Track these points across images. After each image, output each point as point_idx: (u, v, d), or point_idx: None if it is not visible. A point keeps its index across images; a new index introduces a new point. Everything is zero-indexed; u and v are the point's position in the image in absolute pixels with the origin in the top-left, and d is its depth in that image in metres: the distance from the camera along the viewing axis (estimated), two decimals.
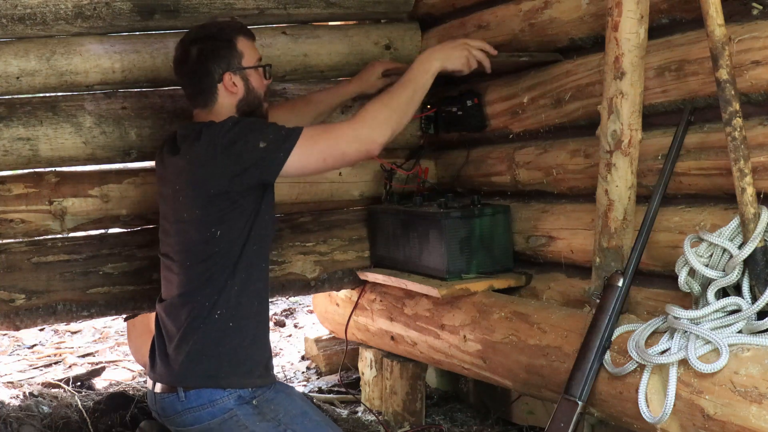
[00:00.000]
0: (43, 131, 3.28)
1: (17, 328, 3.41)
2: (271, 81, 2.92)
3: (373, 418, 3.71)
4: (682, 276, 2.30)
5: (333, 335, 4.47)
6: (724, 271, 2.23)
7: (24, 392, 3.98)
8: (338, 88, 3.36)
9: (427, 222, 3.30)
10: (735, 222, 2.23)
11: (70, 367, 4.90)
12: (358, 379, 4.03)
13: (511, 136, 3.32)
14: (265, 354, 2.73)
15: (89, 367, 4.76)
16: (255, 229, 2.65)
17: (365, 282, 3.75)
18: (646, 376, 2.29)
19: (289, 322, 5.64)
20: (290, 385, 2.84)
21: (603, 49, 2.61)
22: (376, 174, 3.75)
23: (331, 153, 2.64)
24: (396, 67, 3.31)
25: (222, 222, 2.61)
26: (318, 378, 4.46)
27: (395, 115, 2.71)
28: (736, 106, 2.19)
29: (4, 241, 3.33)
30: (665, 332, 2.29)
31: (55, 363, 5.02)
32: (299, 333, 5.35)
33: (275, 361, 4.84)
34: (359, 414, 3.84)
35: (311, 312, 5.39)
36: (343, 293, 3.96)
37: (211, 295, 2.61)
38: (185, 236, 2.67)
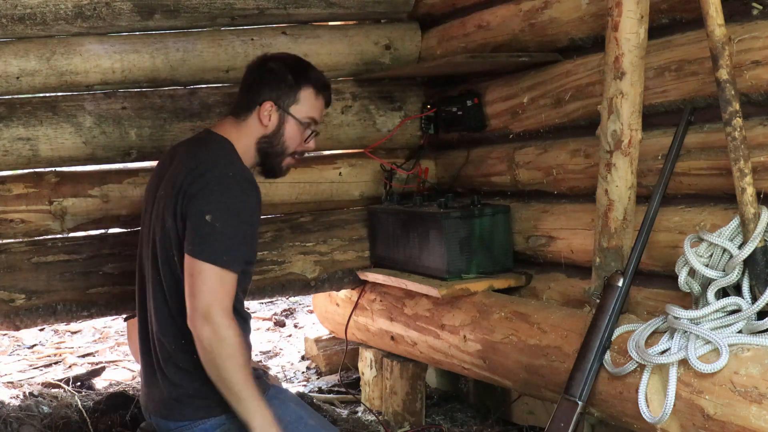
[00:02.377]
0: (43, 131, 3.28)
1: (17, 328, 3.41)
2: (310, 148, 2.81)
3: (373, 418, 3.71)
4: (682, 276, 2.30)
5: (333, 335, 4.47)
6: (724, 271, 2.23)
7: (24, 392, 3.98)
8: None
9: (427, 222, 3.30)
10: (735, 222, 2.23)
11: (70, 367, 4.90)
12: (358, 379, 4.03)
13: (511, 136, 3.32)
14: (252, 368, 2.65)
15: (89, 367, 4.76)
16: None
17: (365, 282, 3.75)
18: (646, 376, 2.29)
19: (289, 322, 5.64)
20: (284, 389, 2.81)
21: (603, 49, 2.61)
22: (376, 174, 3.75)
23: (192, 287, 2.43)
24: None
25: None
26: (318, 378, 4.46)
27: (221, 369, 2.42)
28: (736, 106, 2.19)
29: (4, 241, 3.33)
30: (665, 332, 2.29)
31: (55, 363, 5.01)
32: (299, 333, 5.34)
33: (275, 361, 4.84)
34: (359, 414, 3.83)
35: (311, 312, 5.39)
36: (343, 293, 3.96)
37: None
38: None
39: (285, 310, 5.87)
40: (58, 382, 4.24)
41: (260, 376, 2.66)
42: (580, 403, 2.43)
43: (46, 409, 3.62)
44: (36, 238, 3.37)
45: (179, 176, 2.57)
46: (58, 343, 5.52)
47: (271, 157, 2.73)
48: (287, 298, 5.88)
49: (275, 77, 2.69)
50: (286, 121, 2.70)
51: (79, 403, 3.65)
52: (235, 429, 2.53)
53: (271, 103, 2.67)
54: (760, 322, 2.16)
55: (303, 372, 4.59)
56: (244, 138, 2.68)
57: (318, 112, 2.75)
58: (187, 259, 2.46)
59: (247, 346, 2.57)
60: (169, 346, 2.59)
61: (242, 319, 2.59)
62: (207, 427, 2.55)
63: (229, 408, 2.52)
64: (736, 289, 2.24)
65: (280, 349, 5.08)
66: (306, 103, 2.71)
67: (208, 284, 2.43)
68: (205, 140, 2.70)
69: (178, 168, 2.61)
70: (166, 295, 2.58)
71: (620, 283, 2.46)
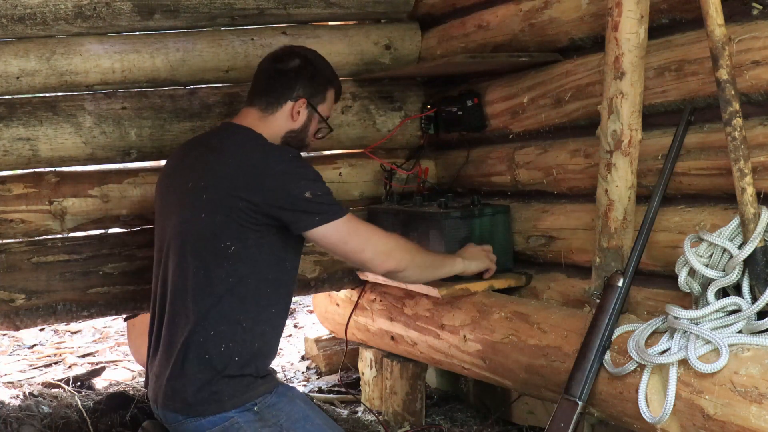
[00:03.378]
0: (43, 131, 3.28)
1: (17, 328, 3.41)
2: (317, 140, 2.94)
3: (373, 418, 3.71)
4: (682, 276, 2.30)
5: (333, 335, 4.47)
6: (724, 271, 2.23)
7: (24, 392, 3.98)
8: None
9: (427, 222, 3.30)
10: (735, 222, 2.23)
11: (70, 367, 4.90)
12: (358, 379, 4.03)
13: (511, 136, 3.32)
14: (267, 361, 2.70)
15: (89, 367, 4.76)
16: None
17: (365, 282, 3.75)
18: (646, 376, 2.29)
19: (289, 322, 5.64)
20: (293, 386, 2.82)
21: (603, 49, 2.61)
22: (376, 174, 3.75)
23: (358, 248, 2.69)
24: None
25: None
26: (318, 378, 4.46)
27: (420, 271, 2.87)
28: (736, 106, 2.19)
29: (4, 241, 3.33)
30: (665, 332, 2.29)
31: (55, 363, 5.02)
32: (299, 333, 5.35)
33: (276, 361, 4.83)
34: (359, 414, 3.83)
35: (311, 312, 5.39)
36: (343, 293, 3.96)
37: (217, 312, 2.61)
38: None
39: None
40: (58, 382, 4.24)
41: (269, 373, 2.68)
42: (580, 403, 2.43)
43: (46, 409, 3.62)
44: (36, 238, 3.37)
45: (225, 170, 2.61)
46: (58, 343, 5.52)
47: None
48: None
49: (311, 74, 2.78)
50: (312, 118, 2.81)
51: (79, 403, 3.65)
52: (242, 423, 2.54)
53: (304, 99, 2.76)
54: (760, 322, 2.16)
55: (303, 372, 4.59)
56: (272, 130, 2.75)
57: (331, 111, 2.90)
58: (322, 232, 2.61)
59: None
60: (183, 341, 2.59)
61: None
62: (217, 419, 2.56)
63: (238, 404, 2.54)
64: (736, 289, 2.24)
65: (280, 349, 5.08)
66: (329, 102, 2.85)
67: (359, 232, 2.67)
68: (241, 135, 2.72)
69: (222, 164, 2.63)
70: (207, 287, 2.60)
71: (620, 283, 2.46)
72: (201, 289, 2.60)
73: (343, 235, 2.64)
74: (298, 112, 2.77)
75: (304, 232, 2.63)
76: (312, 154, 3.90)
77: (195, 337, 2.59)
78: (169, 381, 2.62)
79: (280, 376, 4.53)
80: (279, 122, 2.77)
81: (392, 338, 3.62)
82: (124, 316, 4.15)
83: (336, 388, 4.23)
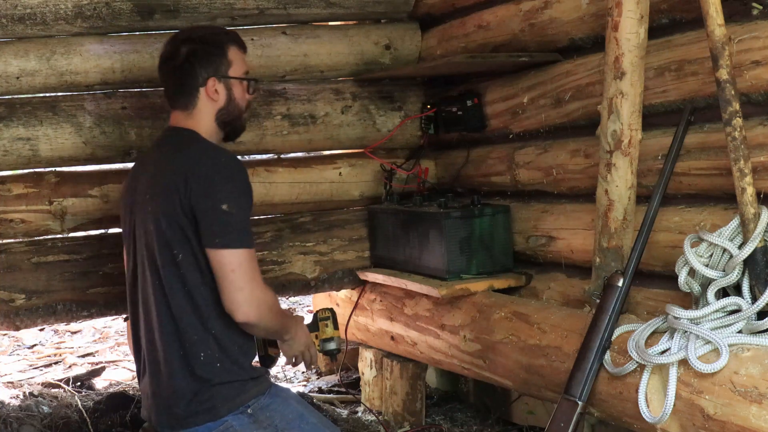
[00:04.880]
0: (43, 131, 3.28)
1: (17, 328, 3.41)
2: (255, 97, 2.86)
3: (373, 418, 3.71)
4: (682, 276, 2.30)
5: None
6: (724, 271, 2.23)
7: (24, 392, 3.98)
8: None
9: (427, 222, 3.30)
10: (735, 222, 2.23)
11: (70, 367, 4.89)
12: (358, 379, 4.03)
13: (511, 136, 3.32)
14: (250, 359, 2.67)
15: (89, 367, 4.76)
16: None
17: (365, 282, 3.75)
18: (646, 376, 2.29)
19: None
20: (286, 387, 2.82)
21: (603, 49, 2.61)
22: (376, 174, 3.75)
23: (237, 285, 2.49)
24: None
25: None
26: (318, 378, 4.46)
27: (265, 333, 2.68)
28: (736, 106, 2.19)
29: (4, 241, 3.33)
30: (665, 332, 2.29)
31: (55, 363, 5.01)
32: None
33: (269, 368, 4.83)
34: (359, 414, 3.83)
35: (311, 312, 5.39)
36: (343, 293, 3.96)
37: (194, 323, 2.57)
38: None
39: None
40: (58, 382, 4.24)
41: (262, 374, 2.67)
42: (580, 403, 2.43)
43: (46, 409, 3.62)
44: (36, 238, 3.37)
45: (166, 177, 2.56)
46: (58, 343, 5.52)
47: (233, 122, 2.76)
48: (287, 298, 5.88)
49: (202, 51, 2.68)
50: (231, 86, 2.72)
51: (79, 403, 3.65)
52: (237, 426, 2.54)
53: (213, 78, 2.68)
54: (760, 322, 2.16)
55: (303, 372, 4.59)
56: (203, 122, 2.70)
57: (245, 63, 2.78)
58: (218, 254, 2.50)
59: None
60: (171, 351, 2.57)
61: None
62: (212, 425, 2.56)
63: (233, 408, 2.54)
64: (736, 289, 2.24)
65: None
66: (236, 61, 2.73)
67: (247, 271, 2.51)
68: (176, 138, 2.70)
69: (162, 170, 2.61)
70: (168, 299, 2.57)
71: (620, 283, 2.46)
72: (164, 303, 2.58)
73: (234, 266, 2.49)
74: (216, 91, 2.68)
75: (205, 248, 2.51)
76: (312, 154, 3.90)
77: (174, 353, 2.57)
78: (160, 398, 2.61)
79: (280, 376, 4.53)
80: (204, 111, 2.70)
81: (392, 338, 3.62)
82: (124, 316, 4.11)
83: (336, 388, 4.23)
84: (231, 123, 2.75)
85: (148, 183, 2.64)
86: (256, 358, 2.75)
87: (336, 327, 2.90)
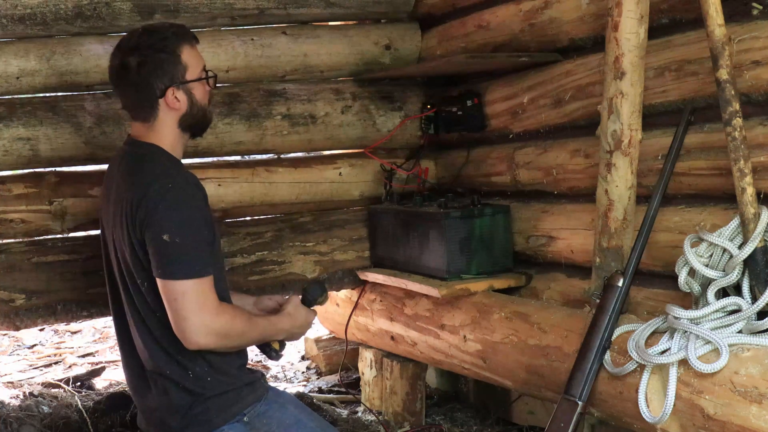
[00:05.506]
0: (43, 131, 3.28)
1: (17, 328, 3.41)
2: (215, 88, 2.72)
3: (373, 418, 3.71)
4: (682, 276, 2.30)
5: (333, 335, 4.47)
6: (724, 271, 2.23)
7: (24, 392, 3.97)
8: (260, 301, 2.95)
9: (427, 222, 3.30)
10: (735, 222, 2.23)
11: (70, 367, 4.89)
12: (358, 379, 4.03)
13: (511, 136, 3.32)
14: (241, 363, 2.63)
15: (89, 367, 4.76)
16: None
17: (365, 282, 3.75)
18: (646, 376, 2.29)
19: None
20: (283, 391, 2.80)
21: (603, 49, 2.61)
22: (376, 174, 3.75)
23: (181, 314, 2.41)
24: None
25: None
26: (318, 378, 4.46)
27: (238, 342, 2.55)
28: (736, 106, 2.19)
29: (4, 241, 3.32)
30: (665, 332, 2.29)
31: (55, 363, 5.01)
32: None
33: (275, 361, 4.83)
34: (359, 414, 3.83)
35: None
36: (343, 293, 3.96)
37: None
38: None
39: None
40: (58, 382, 4.24)
41: (258, 379, 2.65)
42: (580, 403, 2.43)
43: (46, 409, 3.61)
44: (36, 238, 3.37)
45: (123, 202, 2.50)
46: (58, 343, 5.52)
47: (198, 123, 2.64)
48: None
49: (154, 61, 2.52)
50: (192, 89, 2.57)
51: (79, 403, 3.64)
52: None
53: (171, 87, 2.54)
54: (760, 322, 2.16)
55: (303, 372, 4.59)
56: (166, 132, 2.58)
57: (201, 57, 2.63)
58: (161, 283, 2.43)
59: (242, 309, 2.61)
60: (160, 368, 2.54)
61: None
62: None
63: (229, 418, 2.52)
64: (736, 289, 2.24)
65: None
66: (191, 61, 2.58)
67: (193, 301, 2.41)
68: (134, 155, 2.59)
69: (119, 193, 2.54)
70: (145, 321, 2.54)
71: (620, 283, 2.46)
72: (143, 325, 2.54)
73: (177, 296, 2.40)
74: (177, 99, 2.54)
75: (157, 277, 2.43)
76: (312, 154, 3.90)
77: (162, 371, 2.54)
78: (155, 412, 2.59)
79: (280, 376, 4.53)
80: (167, 120, 2.56)
81: (392, 338, 3.62)
82: None
83: (336, 388, 4.23)
84: (196, 124, 2.64)
85: (112, 207, 2.57)
86: (256, 355, 2.71)
87: (325, 290, 2.81)
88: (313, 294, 2.76)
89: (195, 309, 2.41)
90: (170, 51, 2.54)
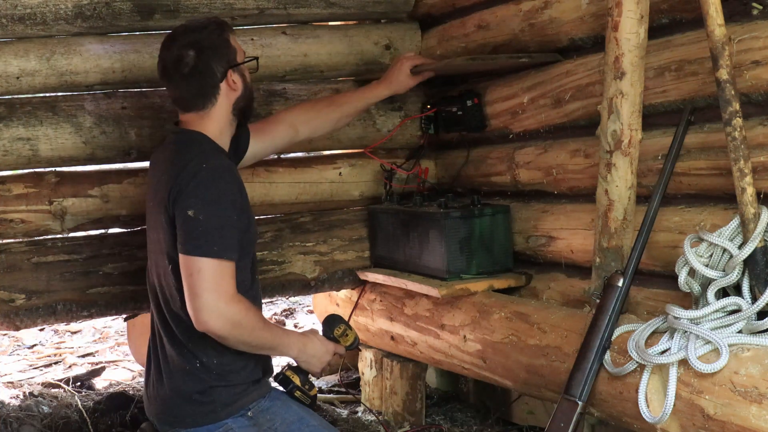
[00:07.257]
0: (43, 131, 3.28)
1: (17, 328, 3.41)
2: (256, 71, 2.86)
3: (373, 418, 3.71)
4: (682, 276, 2.30)
5: None
6: (724, 271, 2.23)
7: (24, 392, 3.98)
8: (366, 90, 3.28)
9: (427, 222, 3.30)
10: (735, 222, 2.23)
11: (70, 367, 4.90)
12: (358, 379, 4.03)
13: (511, 136, 3.32)
14: (257, 367, 2.66)
15: (89, 367, 4.76)
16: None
17: (365, 282, 3.75)
18: (646, 376, 2.29)
19: (289, 322, 5.63)
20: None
21: (603, 49, 2.61)
22: (376, 174, 3.75)
23: (193, 291, 2.43)
24: (425, 62, 3.28)
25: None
26: (318, 378, 4.46)
27: (244, 347, 2.55)
28: (736, 106, 2.19)
29: (4, 241, 3.33)
30: (665, 332, 2.29)
31: (55, 363, 5.02)
32: None
33: (275, 361, 4.82)
34: (359, 414, 3.83)
35: (311, 312, 5.39)
36: (343, 293, 3.96)
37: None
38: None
39: (285, 310, 5.87)
40: (58, 382, 4.24)
41: (263, 377, 2.67)
42: (580, 403, 2.43)
43: (46, 409, 3.62)
44: (36, 238, 3.37)
45: (164, 185, 2.57)
46: (58, 343, 5.52)
47: (248, 105, 2.78)
48: (287, 299, 5.88)
49: (210, 47, 2.66)
50: (243, 71, 2.74)
51: (79, 403, 3.65)
52: (236, 428, 2.54)
53: (230, 69, 2.68)
54: (760, 322, 2.16)
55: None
56: (219, 117, 2.69)
57: (240, 45, 2.79)
58: (182, 258, 2.47)
59: (258, 307, 2.63)
60: (171, 351, 2.59)
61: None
62: (211, 427, 2.56)
63: (233, 412, 2.54)
64: (736, 289, 2.24)
65: None
66: (238, 46, 2.75)
67: (207, 280, 2.44)
68: (180, 141, 2.69)
69: (162, 177, 2.62)
70: (170, 305, 2.59)
71: (620, 283, 2.46)
72: (166, 308, 2.60)
73: (192, 272, 2.43)
74: (234, 81, 2.69)
75: (179, 253, 2.48)
76: (312, 154, 3.90)
77: (175, 356, 2.58)
78: (161, 397, 2.63)
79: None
80: (223, 106, 2.69)
81: (392, 338, 3.62)
82: (124, 316, 4.15)
83: (336, 388, 4.23)
84: (247, 106, 2.76)
85: (153, 191, 2.66)
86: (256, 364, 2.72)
87: (351, 328, 2.83)
88: (329, 324, 2.79)
89: (208, 288, 2.43)
90: (221, 36, 2.70)
